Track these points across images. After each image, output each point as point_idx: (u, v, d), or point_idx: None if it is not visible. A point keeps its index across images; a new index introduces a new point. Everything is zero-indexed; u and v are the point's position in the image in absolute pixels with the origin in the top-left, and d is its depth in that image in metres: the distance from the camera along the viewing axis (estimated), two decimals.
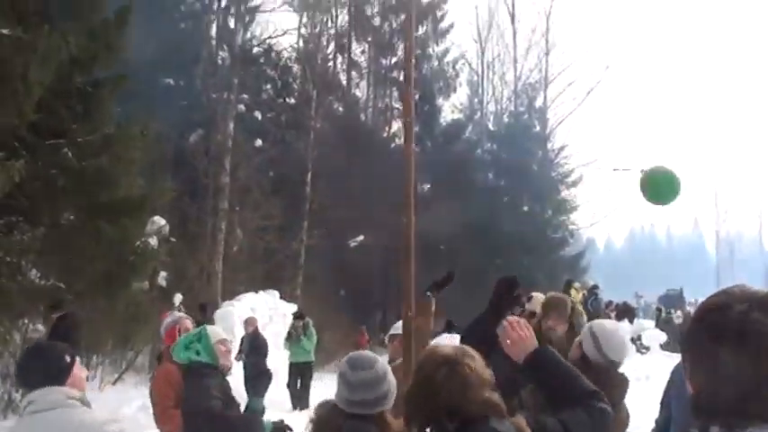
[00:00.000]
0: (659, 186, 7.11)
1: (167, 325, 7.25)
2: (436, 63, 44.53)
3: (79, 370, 4.22)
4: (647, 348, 28.76)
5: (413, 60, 8.14)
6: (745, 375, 1.88)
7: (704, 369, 1.97)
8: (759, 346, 1.88)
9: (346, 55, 43.62)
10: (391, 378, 4.12)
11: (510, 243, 40.47)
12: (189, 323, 7.20)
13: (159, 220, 20.66)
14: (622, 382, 4.95)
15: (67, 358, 4.16)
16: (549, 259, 43.27)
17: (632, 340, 26.44)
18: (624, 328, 20.06)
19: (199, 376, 5.69)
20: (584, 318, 6.50)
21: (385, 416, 4.05)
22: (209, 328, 6.07)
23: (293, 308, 23.54)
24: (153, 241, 18.43)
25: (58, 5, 14.91)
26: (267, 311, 23.20)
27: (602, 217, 50.44)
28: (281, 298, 25.34)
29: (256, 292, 24.77)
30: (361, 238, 36.11)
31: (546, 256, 43.22)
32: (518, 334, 3.81)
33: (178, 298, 22.99)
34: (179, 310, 16.21)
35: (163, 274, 21.68)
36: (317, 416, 4.07)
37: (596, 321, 5.32)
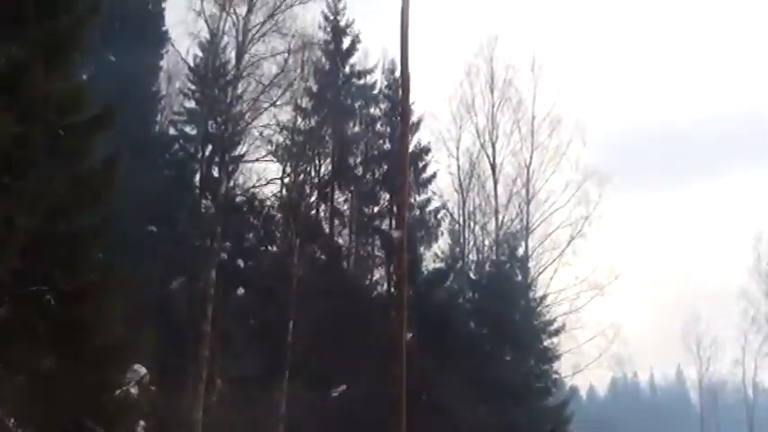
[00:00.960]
0: None
1: None
2: (418, 212, 44.79)
3: None
4: None
5: (405, 218, 8.20)
6: None
7: None
8: None
9: (329, 203, 43.96)
10: None
11: (493, 392, 40.04)
12: None
13: (140, 369, 20.40)
14: None
15: None
16: (532, 408, 42.71)
17: None
18: None
19: None
20: None
21: None
22: None
23: None
24: (134, 390, 18.13)
25: (45, 153, 15.01)
26: None
27: (585, 366, 50.01)
28: None
29: None
30: (343, 387, 35.67)
31: (529, 405, 42.69)
32: None
33: None
34: None
35: (141, 423, 21.27)
36: None
37: None
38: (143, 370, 20.63)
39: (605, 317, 48.58)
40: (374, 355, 31.53)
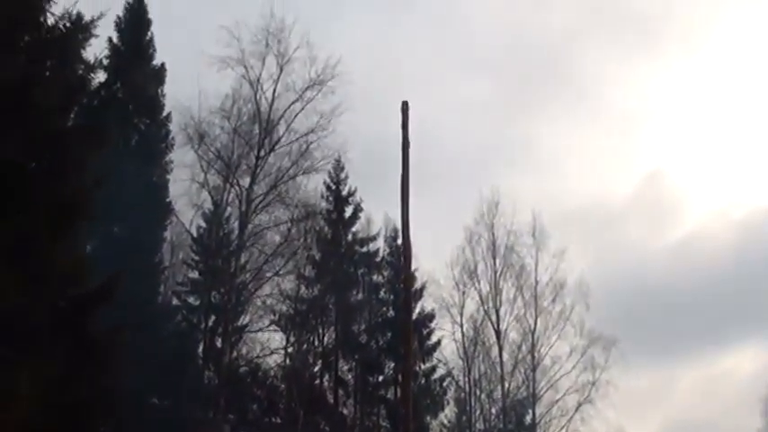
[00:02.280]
0: None
1: None
2: (423, 380, 44.33)
3: None
4: None
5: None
6: None
7: None
8: None
9: (333, 373, 43.47)
10: None
11: None
12: None
13: None
14: None
15: None
16: None
17: None
18: None
19: None
20: None
21: None
22: None
23: None
24: None
25: (48, 324, 14.94)
26: None
27: None
28: None
29: None
30: None
31: None
32: None
33: None
34: None
35: None
36: None
37: None
38: None
39: None
40: None
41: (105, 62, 28.78)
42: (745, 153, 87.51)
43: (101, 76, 24.35)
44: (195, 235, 39.25)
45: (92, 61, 18.12)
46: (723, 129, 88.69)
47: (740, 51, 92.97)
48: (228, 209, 39.35)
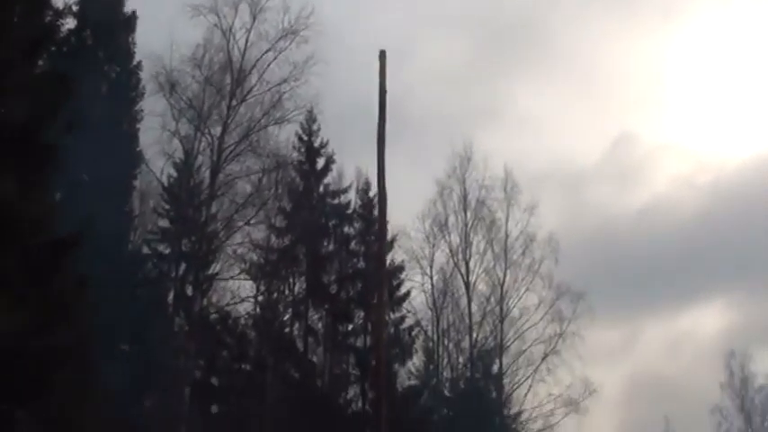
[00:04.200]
0: None
1: None
2: (392, 330, 44.67)
3: None
4: None
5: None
6: None
7: None
8: None
9: (303, 321, 43.75)
10: None
11: None
12: None
13: None
14: None
15: None
16: None
17: None
18: None
19: None
20: None
21: None
22: None
23: None
24: None
25: (17, 271, 15.01)
26: None
27: None
28: None
29: None
30: None
31: None
32: None
33: None
34: None
35: None
36: None
37: None
38: None
39: None
40: None
41: (75, 9, 28.67)
42: (711, 120, 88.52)
43: (70, 23, 24.26)
44: (166, 184, 39.16)
45: (61, 8, 18.06)
46: (693, 96, 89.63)
47: (717, 20, 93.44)
48: (199, 158, 39.33)
